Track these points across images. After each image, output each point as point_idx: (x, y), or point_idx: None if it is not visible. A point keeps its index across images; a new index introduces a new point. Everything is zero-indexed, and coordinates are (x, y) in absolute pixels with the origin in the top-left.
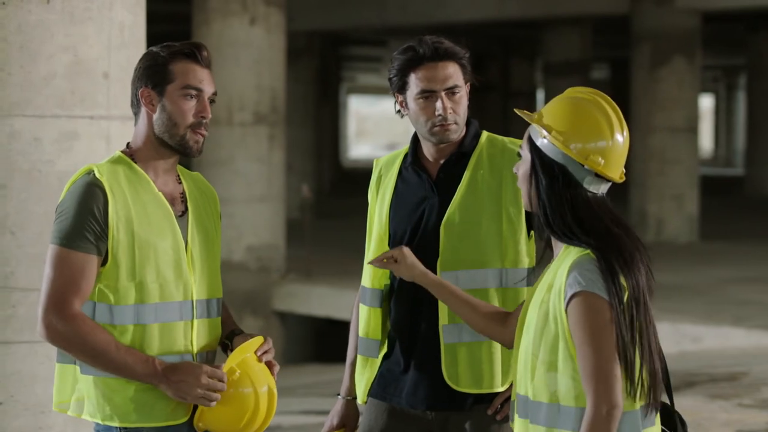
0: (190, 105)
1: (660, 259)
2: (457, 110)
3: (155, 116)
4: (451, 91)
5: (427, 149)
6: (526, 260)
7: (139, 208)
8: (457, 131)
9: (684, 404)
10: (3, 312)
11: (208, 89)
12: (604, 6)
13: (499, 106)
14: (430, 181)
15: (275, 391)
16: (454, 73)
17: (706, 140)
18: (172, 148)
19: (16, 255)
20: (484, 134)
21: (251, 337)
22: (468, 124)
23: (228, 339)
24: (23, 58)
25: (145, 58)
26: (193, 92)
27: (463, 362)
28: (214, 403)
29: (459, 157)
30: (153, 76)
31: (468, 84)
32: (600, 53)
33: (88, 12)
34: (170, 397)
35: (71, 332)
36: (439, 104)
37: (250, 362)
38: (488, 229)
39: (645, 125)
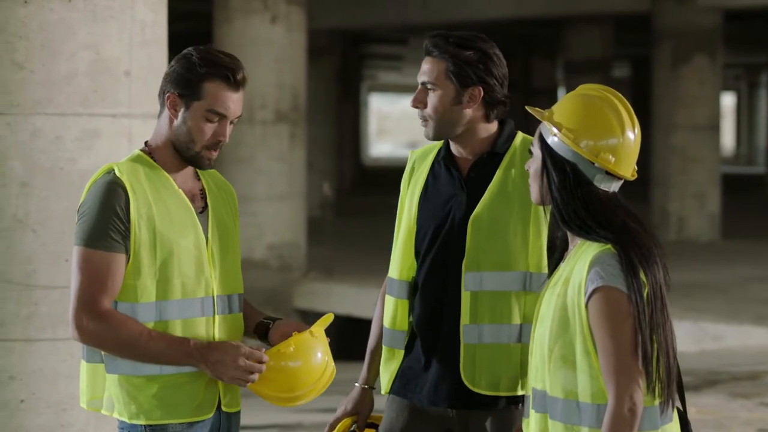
0: (210, 127)
1: (681, 258)
2: (426, 104)
3: (176, 122)
4: (425, 86)
5: (454, 146)
6: (548, 265)
7: (160, 205)
8: (429, 129)
9: (705, 403)
10: (25, 309)
11: (234, 113)
12: (625, 4)
13: (520, 104)
14: (460, 179)
15: (330, 362)
16: (431, 70)
17: (727, 138)
18: (183, 157)
19: (37, 253)
20: (519, 135)
21: (293, 323)
22: (503, 123)
23: (268, 320)
24: (45, 56)
25: (183, 63)
26: (217, 117)
27: (482, 364)
28: (247, 384)
29: (491, 156)
30: (184, 86)
31: (473, 87)
32: (621, 51)
33: (110, 10)
34: (209, 376)
35: (103, 329)
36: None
37: (305, 338)
38: (515, 231)
39: (666, 123)
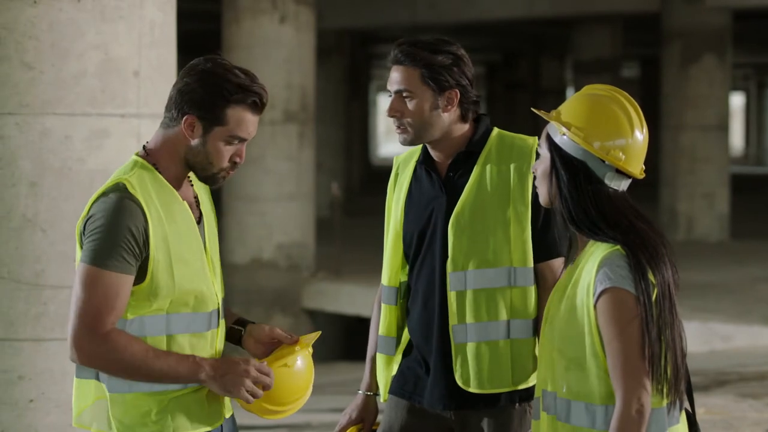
0: (230, 149)
1: (690, 258)
2: (405, 113)
3: (192, 143)
4: (400, 95)
5: (431, 149)
6: (532, 259)
7: (171, 223)
8: (408, 135)
9: (714, 403)
10: (34, 309)
11: (253, 134)
12: (634, 4)
13: (529, 104)
14: (439, 181)
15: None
16: (406, 78)
17: (736, 138)
18: (196, 175)
19: (47, 253)
20: (495, 131)
21: (266, 330)
22: (478, 121)
23: (239, 325)
24: (54, 56)
25: (205, 84)
26: (237, 140)
27: (473, 363)
28: (252, 399)
29: (467, 155)
30: (207, 110)
31: (449, 91)
32: (630, 51)
33: (119, 10)
34: (216, 392)
35: (107, 351)
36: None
37: (307, 354)
38: (496, 228)
39: (675, 123)
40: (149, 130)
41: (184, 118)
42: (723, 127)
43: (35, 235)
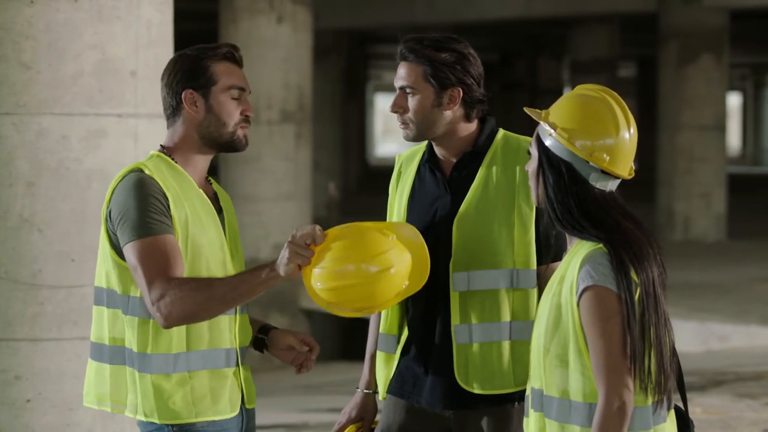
0: (236, 104)
1: (687, 258)
2: (406, 109)
3: (200, 117)
4: (403, 91)
5: (436, 147)
6: (535, 261)
7: (189, 206)
8: (410, 131)
9: (711, 403)
10: (31, 309)
11: (247, 85)
12: (631, 4)
13: (526, 104)
14: (443, 180)
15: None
16: (409, 74)
17: (733, 138)
18: (219, 146)
19: (44, 252)
20: (501, 132)
21: (289, 336)
22: (483, 122)
23: (262, 333)
24: (51, 56)
25: (182, 61)
26: (237, 92)
27: (475, 363)
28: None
29: (472, 156)
30: (196, 78)
31: (452, 89)
32: (627, 51)
33: (116, 10)
34: (286, 277)
35: (189, 292)
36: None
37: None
38: (500, 229)
39: (672, 123)
40: (146, 130)
41: (183, 96)
42: (720, 127)
43: (32, 235)
